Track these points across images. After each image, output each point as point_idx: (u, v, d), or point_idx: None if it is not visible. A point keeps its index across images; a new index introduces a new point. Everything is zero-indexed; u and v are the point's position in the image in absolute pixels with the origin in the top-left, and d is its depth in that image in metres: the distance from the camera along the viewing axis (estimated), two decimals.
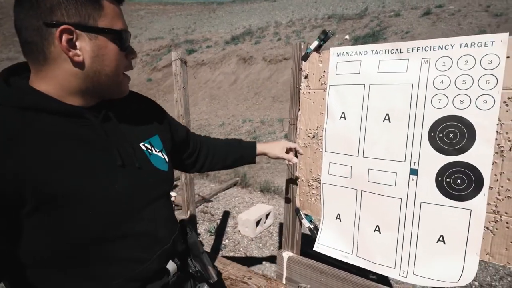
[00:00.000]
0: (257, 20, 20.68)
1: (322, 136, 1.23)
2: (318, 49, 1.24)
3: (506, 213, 0.92)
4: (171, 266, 0.86)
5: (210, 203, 3.92)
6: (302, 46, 1.27)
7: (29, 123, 0.59)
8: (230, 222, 3.35)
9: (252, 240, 2.94)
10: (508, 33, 0.88)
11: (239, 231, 3.10)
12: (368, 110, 1.11)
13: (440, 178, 1.00)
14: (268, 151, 1.13)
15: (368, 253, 1.16)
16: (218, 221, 3.38)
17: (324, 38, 1.22)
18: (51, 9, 0.58)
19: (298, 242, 1.41)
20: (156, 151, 0.84)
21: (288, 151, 1.15)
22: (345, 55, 1.16)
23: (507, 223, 0.92)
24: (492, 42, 0.91)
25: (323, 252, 1.27)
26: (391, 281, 2.28)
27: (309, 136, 1.28)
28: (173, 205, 1.96)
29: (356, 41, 11.18)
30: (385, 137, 1.08)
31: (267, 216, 3.16)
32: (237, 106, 10.72)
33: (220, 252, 2.75)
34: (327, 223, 1.27)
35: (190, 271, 0.98)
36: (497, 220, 0.94)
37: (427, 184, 1.02)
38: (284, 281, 1.39)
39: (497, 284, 2.33)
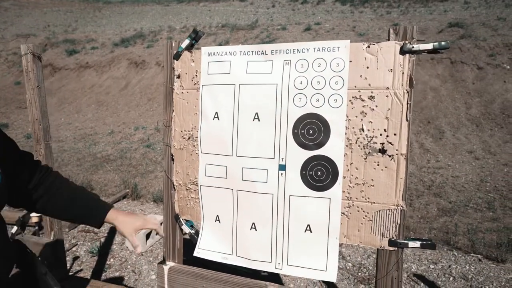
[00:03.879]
0: (149, 23, 19.76)
1: (197, 137, 1.20)
2: (190, 48, 1.21)
3: (356, 198, 1.04)
4: None
5: None
6: (173, 45, 1.22)
7: None
8: (117, 239, 3.03)
9: (142, 255, 2.72)
10: (349, 40, 1.01)
11: (126, 247, 2.83)
12: (239, 109, 1.12)
13: (304, 172, 1.07)
14: (118, 224, 0.99)
15: (246, 251, 1.17)
16: (103, 239, 3.02)
17: (195, 37, 1.19)
18: None
19: (180, 251, 1.33)
20: None
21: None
22: (216, 55, 1.16)
23: (357, 207, 1.05)
24: (338, 47, 1.02)
25: (203, 256, 1.23)
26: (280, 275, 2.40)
27: (184, 138, 1.23)
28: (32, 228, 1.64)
29: None
30: (255, 135, 1.11)
31: None
32: (129, 113, 9.96)
33: (104, 274, 2.45)
34: (207, 226, 1.24)
35: None
36: (350, 206, 1.05)
37: (294, 178, 1.08)
38: None
39: (365, 262, 2.70)
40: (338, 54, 1.02)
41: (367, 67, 1.00)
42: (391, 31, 0.98)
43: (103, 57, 14.08)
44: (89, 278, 2.35)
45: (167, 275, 1.30)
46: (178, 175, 1.26)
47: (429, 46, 0.94)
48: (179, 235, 1.32)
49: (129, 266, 2.56)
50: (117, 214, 0.99)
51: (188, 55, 1.20)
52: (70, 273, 2.46)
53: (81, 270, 2.51)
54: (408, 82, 0.96)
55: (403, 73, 0.97)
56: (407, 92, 0.97)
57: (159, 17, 21.66)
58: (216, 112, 1.15)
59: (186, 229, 1.28)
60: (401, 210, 1.01)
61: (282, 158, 1.09)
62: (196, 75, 1.19)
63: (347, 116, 1.02)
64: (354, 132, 1.02)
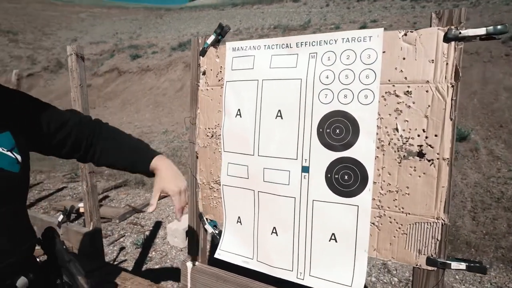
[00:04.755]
0: (205, 28, 20.55)
1: (220, 135, 1.16)
2: (216, 44, 1.18)
3: (388, 207, 0.92)
4: (21, 282, 0.75)
5: (141, 213, 3.68)
6: (200, 41, 1.20)
7: None
8: (161, 233, 3.16)
9: (182, 250, 2.79)
10: (383, 29, 0.89)
11: (168, 242, 2.92)
12: (261, 106, 1.07)
13: (329, 175, 0.98)
14: (156, 175, 0.93)
15: (267, 257, 1.11)
16: (148, 233, 3.17)
17: (221, 32, 1.16)
18: None
19: (203, 250, 1.32)
20: (3, 149, 0.71)
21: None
22: (240, 50, 1.11)
23: (390, 217, 0.92)
24: (370, 37, 0.91)
25: (224, 259, 1.19)
26: None
27: (208, 136, 1.20)
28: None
29: None
30: (278, 134, 1.04)
31: None
32: (182, 113, 10.43)
33: (144, 266, 2.56)
34: (229, 227, 1.20)
35: (58, 283, 0.88)
36: (381, 215, 0.93)
37: (318, 181, 0.99)
38: None
39: None
40: (370, 44, 0.91)
41: (404, 58, 0.87)
42: (433, 15, 0.84)
43: (162, 61, 14.96)
44: (130, 269, 2.47)
45: (190, 273, 1.29)
46: (202, 174, 1.24)
47: (481, 31, 0.79)
48: (203, 234, 1.30)
49: (168, 260, 2.64)
50: (161, 165, 0.92)
51: (214, 51, 1.17)
52: (115, 263, 2.61)
53: (125, 260, 2.65)
54: (453, 75, 0.82)
55: (447, 64, 0.83)
56: (452, 86, 0.82)
57: (214, 21, 22.42)
58: (239, 109, 1.11)
59: (209, 228, 1.26)
60: (442, 225, 0.86)
61: (306, 159, 1.00)
62: (220, 71, 1.16)
63: (379, 114, 0.91)
64: (387, 132, 0.90)
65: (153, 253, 2.77)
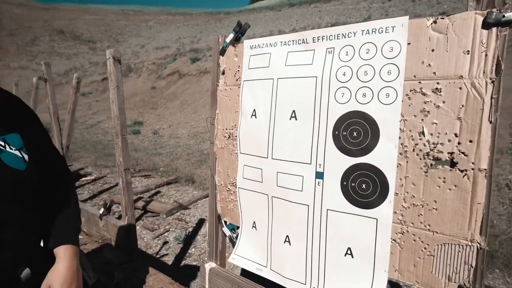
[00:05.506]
0: (261, 29, 20.79)
1: (237, 136, 1.13)
2: (235, 42, 1.15)
3: (412, 223, 0.80)
4: (25, 273, 0.79)
5: (187, 210, 3.82)
6: (220, 40, 1.18)
7: None
8: (202, 231, 3.24)
9: None
10: (408, 17, 0.77)
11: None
12: (276, 107, 1.00)
13: (345, 183, 0.88)
14: (55, 266, 0.84)
15: (280, 266, 1.04)
16: (190, 229, 3.27)
17: (240, 30, 1.12)
18: None
19: (222, 253, 1.29)
20: (12, 148, 0.76)
21: None
22: (257, 48, 1.07)
23: (413, 235, 0.80)
24: (393, 27, 0.80)
25: (238, 264, 1.15)
26: None
27: (225, 137, 1.18)
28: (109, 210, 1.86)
29: None
30: (292, 136, 0.97)
31: None
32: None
33: (183, 261, 2.64)
34: (245, 231, 1.16)
35: None
36: (404, 232, 0.81)
37: (333, 189, 0.90)
38: None
39: None
40: (393, 35, 0.79)
41: (432, 50, 0.74)
42: None
43: None
44: (170, 263, 2.57)
45: (207, 275, 1.28)
46: (220, 175, 1.22)
47: None
48: (221, 237, 1.28)
49: (206, 258, 2.69)
50: (64, 257, 0.85)
51: (232, 50, 1.14)
52: (157, 256, 2.73)
53: (166, 254, 2.77)
54: (493, 68, 0.68)
55: (486, 55, 0.68)
56: (492, 81, 0.68)
57: (271, 22, 22.55)
58: (254, 110, 1.06)
59: (226, 231, 1.23)
60: (478, 249, 0.72)
61: (320, 165, 0.92)
62: (238, 71, 1.12)
63: (402, 115, 0.79)
64: (411, 136, 0.78)
65: (193, 249, 2.84)
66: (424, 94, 0.76)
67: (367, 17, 15.16)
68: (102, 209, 1.81)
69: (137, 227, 3.29)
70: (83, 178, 5.28)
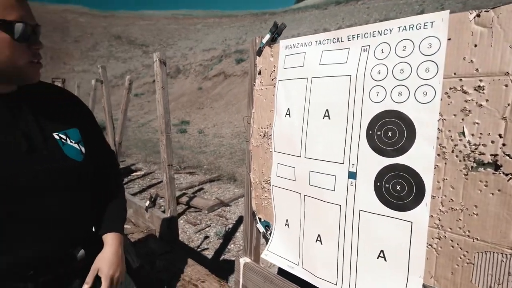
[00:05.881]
0: (306, 28, 20.56)
1: (271, 135, 1.15)
2: (271, 42, 1.17)
3: (450, 228, 0.76)
4: (80, 254, 0.89)
5: (228, 207, 3.92)
6: (257, 41, 1.21)
7: None
8: (242, 228, 3.30)
9: None
10: (448, 11, 0.74)
11: None
12: (309, 106, 1.01)
13: (378, 184, 0.86)
14: (103, 251, 0.92)
15: (311, 265, 1.05)
16: (230, 226, 3.36)
17: (276, 30, 1.14)
18: None
19: (256, 248, 1.32)
20: (71, 141, 0.86)
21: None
22: (293, 48, 1.08)
23: (451, 240, 0.76)
24: (432, 22, 0.76)
25: (271, 260, 1.17)
26: None
27: (260, 135, 1.20)
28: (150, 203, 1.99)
29: None
30: (325, 135, 0.97)
31: None
32: None
33: (222, 256, 2.72)
34: (278, 229, 1.17)
35: None
36: (441, 237, 0.77)
37: (366, 189, 0.88)
38: None
39: None
40: (431, 31, 0.76)
41: (475, 45, 0.70)
42: None
43: None
44: (210, 257, 2.66)
45: (242, 269, 1.32)
46: (255, 173, 1.25)
47: None
48: (255, 233, 1.31)
49: (241, 253, 2.75)
50: (111, 244, 0.93)
51: (268, 50, 1.17)
52: (198, 249, 2.85)
53: (207, 248, 2.87)
54: None
55: None
56: None
57: (316, 21, 22.21)
58: (288, 109, 1.08)
59: (260, 228, 1.26)
60: None
61: (353, 165, 0.91)
62: (274, 70, 1.14)
63: (441, 115, 0.75)
64: (451, 136, 0.74)
65: (232, 245, 2.92)
66: (465, 92, 0.72)
67: (420, 11, 14.27)
68: (148, 202, 1.94)
69: (181, 221, 3.45)
70: (134, 173, 5.65)
